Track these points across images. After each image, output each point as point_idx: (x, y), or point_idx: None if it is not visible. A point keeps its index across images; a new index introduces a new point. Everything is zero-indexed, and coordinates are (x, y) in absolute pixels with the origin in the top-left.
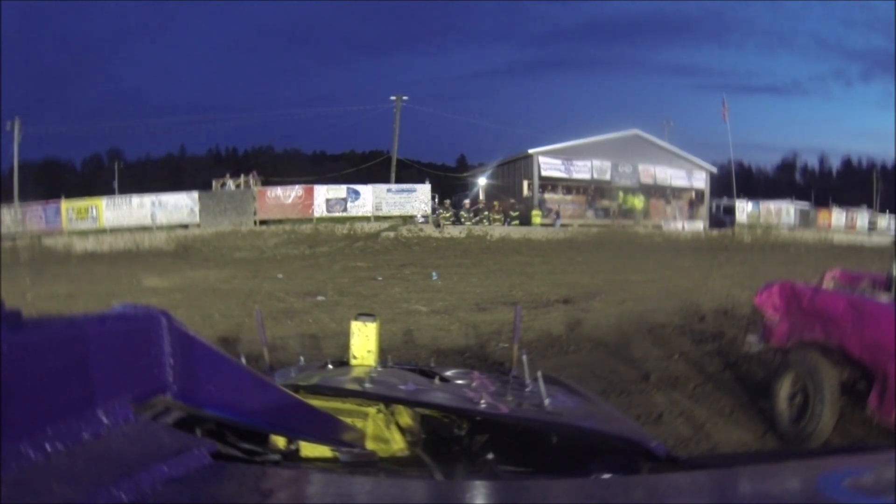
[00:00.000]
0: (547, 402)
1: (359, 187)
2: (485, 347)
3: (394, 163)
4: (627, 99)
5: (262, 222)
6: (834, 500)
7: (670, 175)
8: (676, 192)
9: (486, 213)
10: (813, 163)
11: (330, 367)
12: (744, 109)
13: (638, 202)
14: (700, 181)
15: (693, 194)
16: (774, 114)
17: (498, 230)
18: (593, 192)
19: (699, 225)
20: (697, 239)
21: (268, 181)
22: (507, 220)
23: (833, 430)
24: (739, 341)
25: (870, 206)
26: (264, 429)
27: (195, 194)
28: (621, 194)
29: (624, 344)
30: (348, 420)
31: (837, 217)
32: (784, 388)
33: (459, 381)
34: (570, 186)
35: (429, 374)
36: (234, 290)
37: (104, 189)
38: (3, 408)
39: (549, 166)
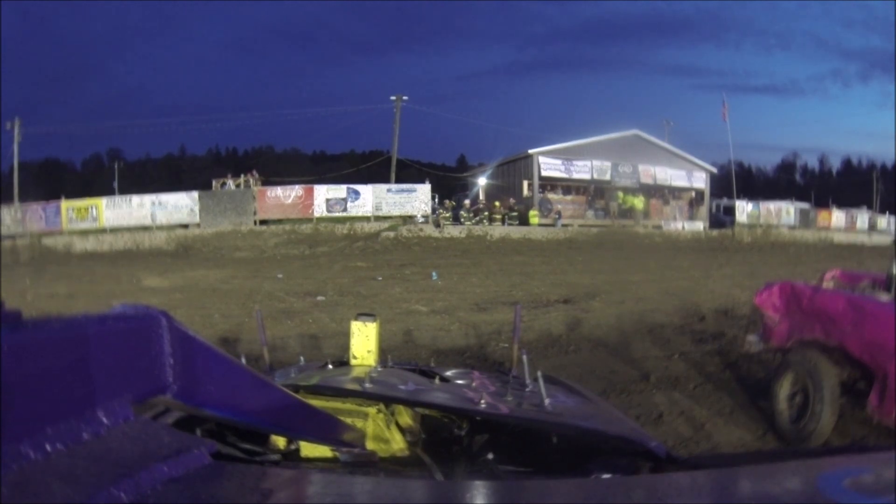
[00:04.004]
0: (547, 402)
1: (359, 187)
2: (485, 347)
3: (394, 163)
4: (627, 99)
5: (262, 222)
6: (834, 500)
7: (670, 175)
8: (676, 193)
9: (486, 213)
10: (813, 163)
11: (330, 367)
12: (743, 109)
13: (638, 202)
14: (700, 181)
15: (693, 194)
16: (774, 114)
17: (498, 230)
18: (593, 192)
19: (699, 225)
20: (697, 239)
21: (268, 181)
22: (506, 219)
23: (833, 430)
24: (739, 341)
25: (870, 206)
26: (264, 429)
27: (195, 194)
28: (621, 194)
29: (624, 344)
30: (348, 420)
31: (837, 217)
32: (784, 388)
33: (459, 381)
34: (570, 186)
35: (429, 374)
36: (234, 290)
37: (104, 189)
38: (3, 408)
39: (549, 166)
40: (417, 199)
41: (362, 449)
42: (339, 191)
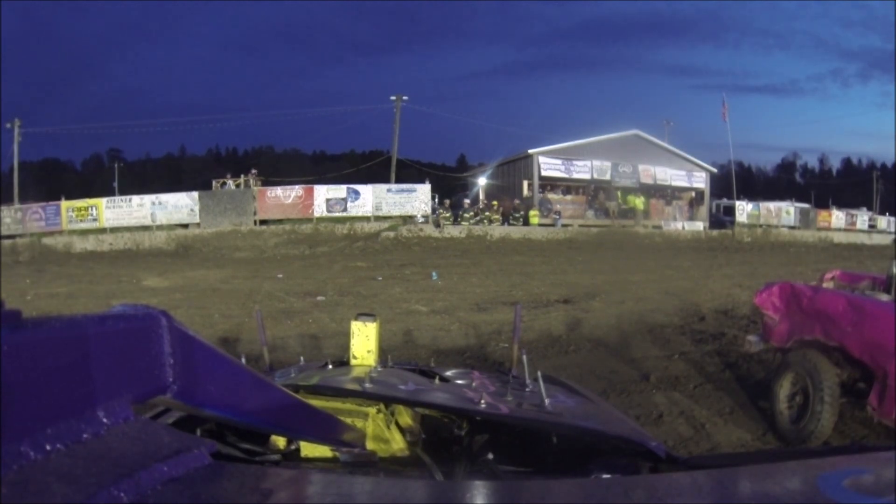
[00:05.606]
0: (547, 402)
1: (359, 187)
2: (485, 347)
3: (394, 163)
4: (627, 99)
5: (262, 222)
6: (834, 500)
7: (670, 175)
8: (676, 192)
9: (486, 213)
10: (813, 163)
11: (330, 367)
12: (743, 109)
13: (638, 202)
14: (700, 181)
15: (693, 194)
16: (774, 114)
17: (498, 230)
18: (593, 192)
19: (699, 225)
20: (697, 239)
21: (268, 181)
22: (506, 220)
23: (833, 430)
24: (739, 341)
25: (870, 206)
26: (264, 429)
27: (195, 194)
28: (621, 194)
29: (624, 344)
30: (348, 420)
31: (837, 217)
32: (784, 388)
33: (459, 381)
34: (570, 186)
35: (429, 374)
36: (234, 290)
37: (104, 189)
38: (3, 408)
39: (549, 166)
40: (417, 199)
41: (362, 449)
42: (339, 191)
